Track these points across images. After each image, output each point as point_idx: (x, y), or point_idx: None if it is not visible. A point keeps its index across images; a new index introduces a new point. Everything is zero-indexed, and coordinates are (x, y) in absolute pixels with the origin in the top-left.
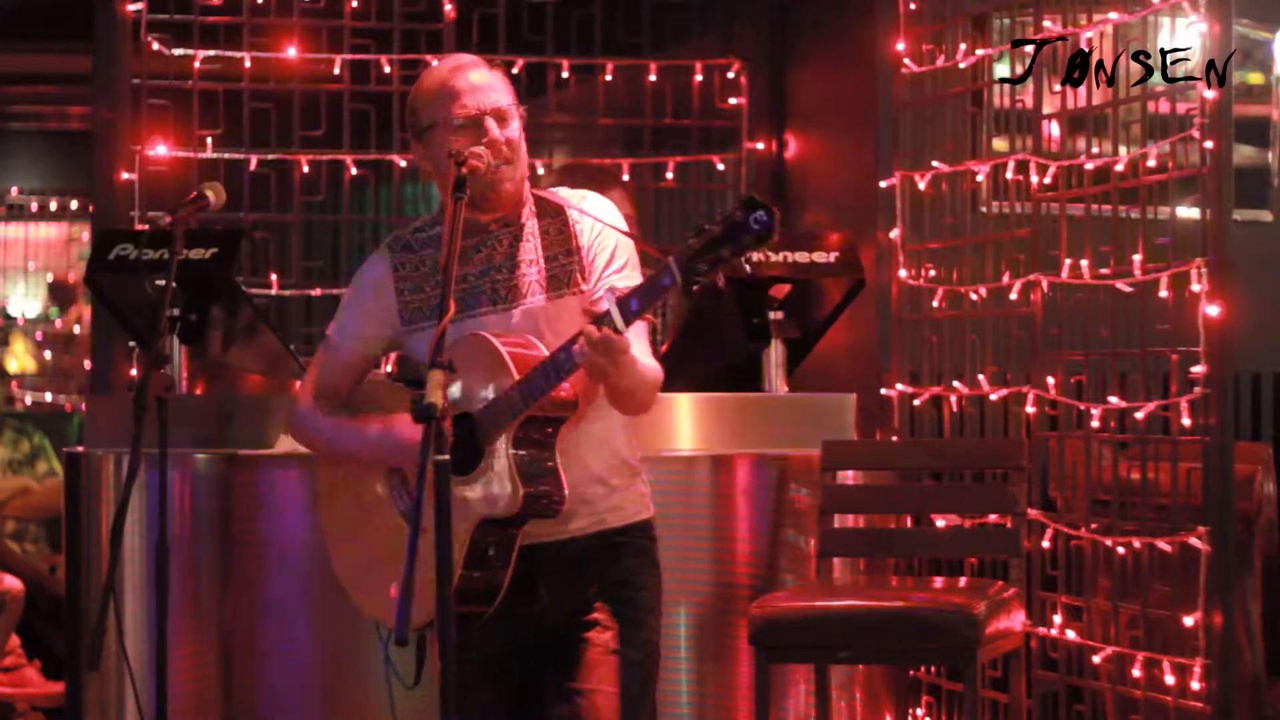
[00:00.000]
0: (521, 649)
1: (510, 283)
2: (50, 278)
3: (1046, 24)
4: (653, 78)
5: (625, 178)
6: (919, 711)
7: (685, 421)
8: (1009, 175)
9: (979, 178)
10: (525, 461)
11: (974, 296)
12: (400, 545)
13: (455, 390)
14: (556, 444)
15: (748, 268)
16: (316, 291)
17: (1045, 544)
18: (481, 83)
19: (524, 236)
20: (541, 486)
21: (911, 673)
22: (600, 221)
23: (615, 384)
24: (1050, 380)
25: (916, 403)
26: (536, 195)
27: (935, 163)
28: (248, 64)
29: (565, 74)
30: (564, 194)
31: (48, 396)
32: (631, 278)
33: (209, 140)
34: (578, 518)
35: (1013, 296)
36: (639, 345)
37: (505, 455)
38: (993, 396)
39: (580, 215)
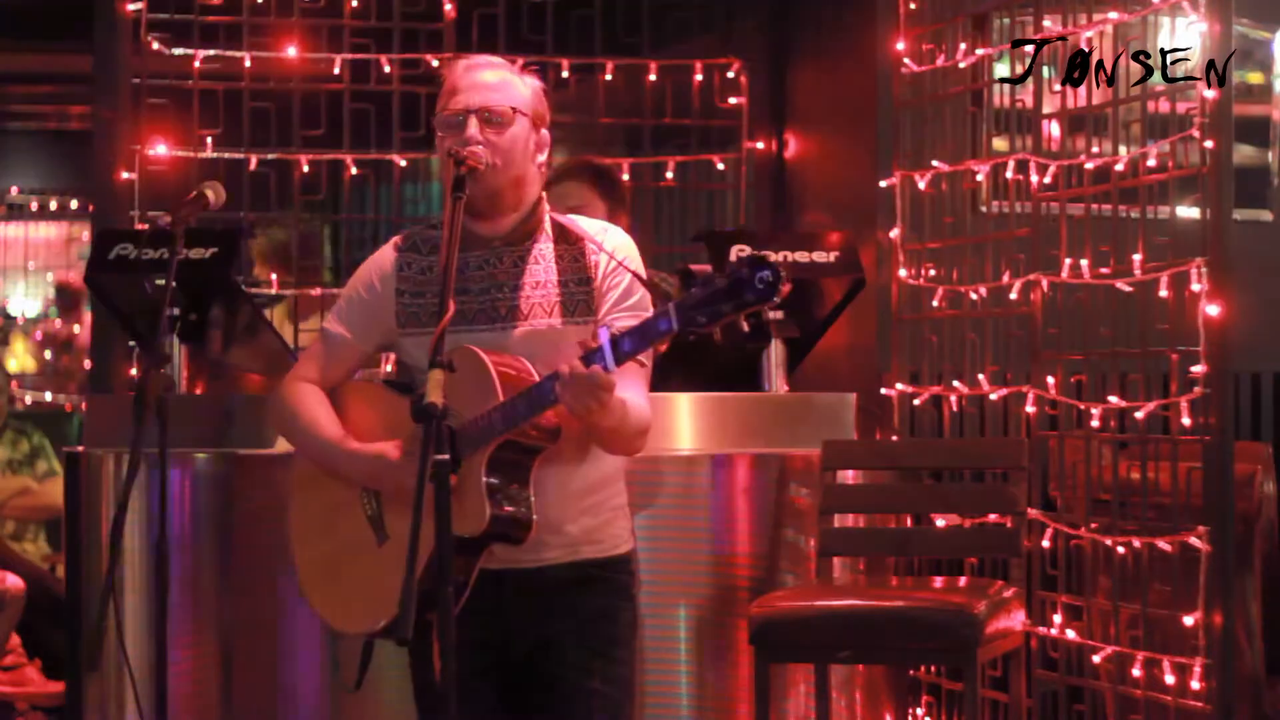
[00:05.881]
0: (493, 674)
1: (511, 303)
2: (51, 278)
3: (1046, 24)
4: (653, 77)
5: (624, 177)
6: (919, 711)
7: (685, 421)
8: (1009, 175)
9: (979, 178)
10: (497, 485)
11: (974, 296)
12: (360, 550)
13: None
14: (533, 471)
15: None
16: (316, 292)
17: (1045, 544)
18: (482, 81)
19: (533, 258)
20: (510, 512)
21: (911, 673)
22: (614, 259)
23: (596, 422)
24: (1050, 380)
25: (916, 402)
26: (555, 220)
27: (935, 163)
28: (248, 64)
29: (565, 74)
30: (584, 224)
31: (48, 396)
32: (640, 317)
33: (209, 140)
34: (550, 547)
35: (1013, 296)
36: (632, 386)
37: (478, 476)
38: (993, 396)
39: (599, 248)
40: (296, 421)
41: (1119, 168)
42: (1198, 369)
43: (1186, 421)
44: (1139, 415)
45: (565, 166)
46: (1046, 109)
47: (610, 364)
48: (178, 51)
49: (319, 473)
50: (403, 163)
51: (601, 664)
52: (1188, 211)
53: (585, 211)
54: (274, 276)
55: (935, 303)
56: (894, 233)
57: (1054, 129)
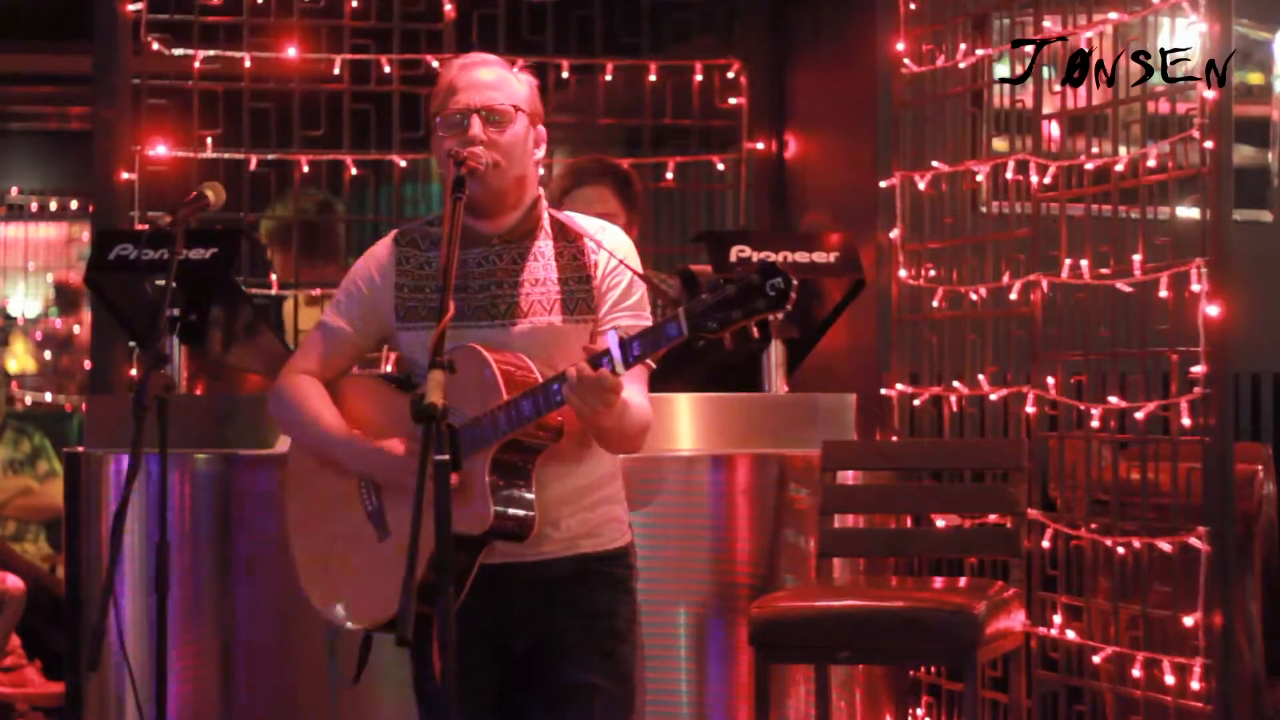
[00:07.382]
0: (495, 669)
1: (511, 299)
2: (51, 278)
3: (1046, 24)
4: (653, 78)
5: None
6: (919, 711)
7: (685, 421)
8: (1009, 175)
9: (979, 178)
10: (501, 485)
11: (974, 296)
12: (359, 545)
13: None
14: (534, 469)
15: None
16: (316, 292)
17: (1045, 544)
18: (481, 80)
19: (532, 255)
20: (513, 510)
21: (911, 673)
22: (615, 257)
23: (599, 422)
24: (1050, 380)
25: (916, 403)
26: (554, 218)
27: (935, 163)
28: (248, 64)
29: (565, 74)
30: (582, 222)
31: (48, 396)
32: (640, 316)
33: (209, 140)
34: (549, 541)
35: (1013, 296)
36: (634, 387)
37: (482, 475)
38: (993, 396)
39: (597, 246)
40: (299, 413)
41: (1119, 168)
42: (1197, 369)
43: (1186, 422)
44: (1139, 416)
45: (585, 168)
46: (1046, 109)
47: (619, 367)
48: (178, 52)
49: (316, 466)
50: (403, 163)
51: (602, 658)
52: (1188, 212)
53: (609, 219)
54: (274, 276)
55: (935, 303)
56: (894, 233)
57: (1054, 129)
